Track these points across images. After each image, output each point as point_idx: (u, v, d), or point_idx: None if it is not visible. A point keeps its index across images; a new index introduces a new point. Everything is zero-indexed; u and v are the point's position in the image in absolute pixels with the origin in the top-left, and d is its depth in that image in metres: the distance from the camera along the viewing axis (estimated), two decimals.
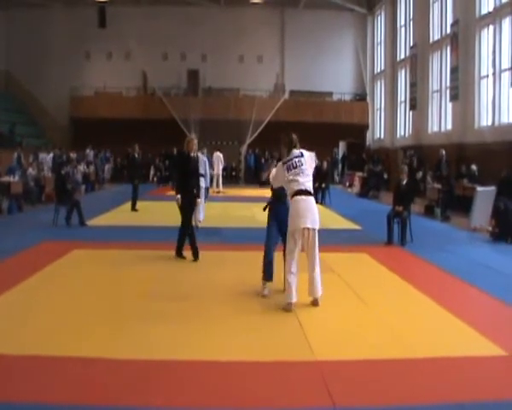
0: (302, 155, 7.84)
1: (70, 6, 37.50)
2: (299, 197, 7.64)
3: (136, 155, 20.30)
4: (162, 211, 19.31)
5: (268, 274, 8.37)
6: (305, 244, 7.78)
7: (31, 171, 22.05)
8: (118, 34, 36.15)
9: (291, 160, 7.77)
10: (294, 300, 7.63)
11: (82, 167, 28.12)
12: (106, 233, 14.47)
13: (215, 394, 5.02)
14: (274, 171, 8.15)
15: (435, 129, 28.29)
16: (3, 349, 5.88)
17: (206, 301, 7.97)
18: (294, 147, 7.88)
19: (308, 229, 7.68)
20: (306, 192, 7.71)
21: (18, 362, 5.60)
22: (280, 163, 7.94)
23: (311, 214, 7.70)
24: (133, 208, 19.04)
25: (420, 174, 23.15)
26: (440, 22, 27.64)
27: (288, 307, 7.59)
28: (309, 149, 8.04)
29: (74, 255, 11.30)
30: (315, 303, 7.83)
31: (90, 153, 33.12)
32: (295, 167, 7.71)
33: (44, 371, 5.44)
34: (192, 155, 11.12)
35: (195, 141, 11.32)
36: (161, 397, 4.90)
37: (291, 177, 7.69)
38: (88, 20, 37.01)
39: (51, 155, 27.69)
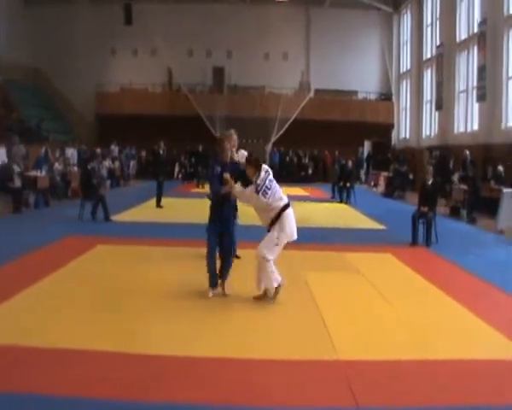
0: (268, 172, 7.88)
1: (96, 3, 37.78)
2: (288, 211, 7.80)
3: (161, 152, 20.37)
4: (187, 208, 19.40)
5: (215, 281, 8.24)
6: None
7: (57, 166, 22.25)
8: (143, 31, 36.30)
9: (263, 184, 7.70)
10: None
11: (107, 163, 28.31)
12: (130, 229, 14.56)
13: (237, 391, 5.03)
14: (247, 193, 7.85)
15: (461, 129, 28.07)
16: (26, 342, 5.96)
17: (229, 298, 7.99)
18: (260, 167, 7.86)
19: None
20: (289, 204, 7.91)
21: (40, 355, 5.67)
22: (251, 190, 7.73)
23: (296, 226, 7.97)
24: (158, 205, 19.12)
25: (456, 176, 22.69)
26: (467, 21, 27.40)
27: (279, 289, 7.94)
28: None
29: (99, 250, 11.40)
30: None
31: (114, 149, 33.33)
32: (270, 188, 7.70)
33: (65, 364, 5.50)
34: (231, 152, 10.71)
35: (234, 136, 10.78)
36: (183, 393, 4.92)
37: (271, 199, 7.69)
38: (114, 16, 37.23)
39: (74, 150, 27.91)
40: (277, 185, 7.87)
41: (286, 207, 7.77)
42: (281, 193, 7.84)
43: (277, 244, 7.80)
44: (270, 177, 7.83)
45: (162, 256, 10.89)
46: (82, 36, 37.41)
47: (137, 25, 36.45)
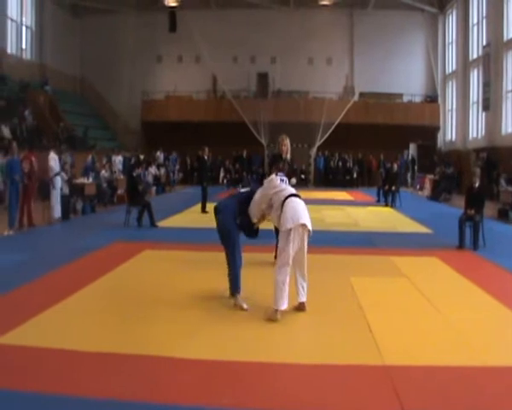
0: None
1: (141, 11, 38.32)
2: (294, 198, 7.46)
3: (206, 158, 20.52)
4: None
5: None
6: (300, 243, 7.41)
7: (104, 173, 22.59)
8: (188, 38, 36.67)
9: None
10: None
11: (153, 170, 28.64)
12: (176, 234, 14.67)
13: (281, 396, 5.02)
14: (265, 190, 7.77)
15: (509, 130, 27.57)
16: (75, 346, 6.05)
17: (269, 303, 7.95)
18: None
19: (304, 225, 7.36)
20: (298, 195, 7.63)
21: (89, 359, 5.75)
22: (273, 176, 7.83)
23: (306, 214, 7.43)
24: (203, 210, 19.22)
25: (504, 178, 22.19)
26: None
27: (275, 316, 7.22)
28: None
29: (145, 256, 11.52)
30: (303, 307, 7.60)
31: (160, 155, 33.67)
32: (284, 181, 7.86)
33: (114, 368, 5.57)
34: (284, 156, 10.23)
35: (285, 141, 10.48)
36: (229, 398, 4.93)
37: (284, 186, 7.72)
38: (159, 24, 37.75)
39: (120, 157, 28.30)
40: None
41: (292, 195, 7.50)
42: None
43: (287, 235, 7.21)
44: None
45: (209, 261, 10.91)
46: (127, 44, 38.02)
47: (182, 32, 36.87)
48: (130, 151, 31.95)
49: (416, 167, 36.86)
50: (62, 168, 18.17)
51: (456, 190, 28.01)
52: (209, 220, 17.30)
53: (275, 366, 5.69)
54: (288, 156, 10.44)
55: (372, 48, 37.15)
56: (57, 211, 16.58)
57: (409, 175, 36.78)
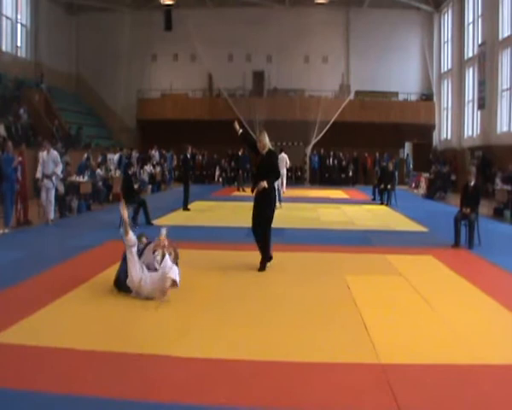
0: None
1: (137, 10, 38.27)
2: None
3: (189, 156, 20.59)
4: (226, 211, 19.51)
5: None
6: None
7: (99, 171, 22.52)
8: (184, 36, 36.67)
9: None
10: None
11: (148, 168, 28.59)
12: (171, 232, 14.54)
13: (277, 394, 5.00)
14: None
15: (504, 129, 27.60)
16: (70, 344, 6.04)
17: (265, 302, 7.97)
18: None
19: None
20: None
21: (83, 357, 5.74)
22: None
23: None
24: (185, 208, 19.41)
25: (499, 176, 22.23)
26: (511, 18, 26.92)
27: None
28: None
29: None
30: None
31: (155, 154, 33.57)
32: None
33: (109, 366, 5.56)
34: (261, 153, 10.38)
35: (260, 138, 10.48)
36: (224, 396, 4.92)
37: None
38: (154, 23, 37.74)
39: (117, 155, 28.18)
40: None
41: None
42: None
43: None
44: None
45: (204, 259, 10.90)
46: (123, 43, 38.02)
47: (178, 30, 36.84)
48: (126, 149, 31.91)
49: (411, 166, 36.86)
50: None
51: (451, 188, 28.05)
52: (204, 218, 17.42)
53: (269, 364, 5.68)
54: (264, 152, 10.34)
55: (368, 46, 37.19)
56: (51, 212, 16.37)
57: (409, 174, 36.60)
